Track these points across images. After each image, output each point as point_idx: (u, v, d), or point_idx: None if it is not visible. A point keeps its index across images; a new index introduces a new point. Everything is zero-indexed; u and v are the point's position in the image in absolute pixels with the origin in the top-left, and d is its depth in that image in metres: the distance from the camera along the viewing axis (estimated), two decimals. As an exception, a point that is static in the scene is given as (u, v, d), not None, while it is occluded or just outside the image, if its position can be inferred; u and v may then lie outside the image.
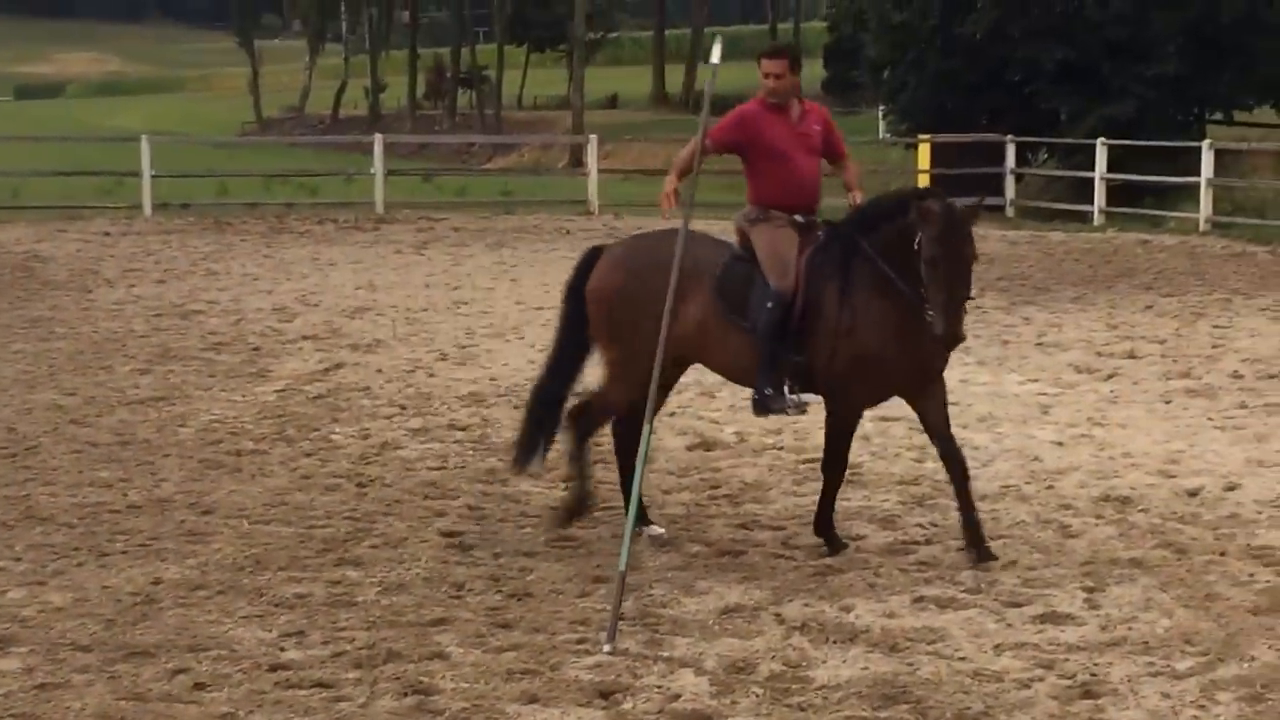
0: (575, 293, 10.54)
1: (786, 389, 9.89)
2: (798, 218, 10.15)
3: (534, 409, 10.68)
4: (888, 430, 13.21)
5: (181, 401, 14.99)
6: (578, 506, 10.37)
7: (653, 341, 9.36)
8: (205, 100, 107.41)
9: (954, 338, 9.60)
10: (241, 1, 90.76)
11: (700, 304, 9.91)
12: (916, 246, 9.49)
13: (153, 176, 35.24)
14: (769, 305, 9.75)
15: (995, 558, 9.63)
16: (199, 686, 7.71)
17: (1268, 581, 9.24)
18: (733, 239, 10.32)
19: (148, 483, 11.85)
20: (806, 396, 9.96)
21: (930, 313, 9.50)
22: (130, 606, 8.93)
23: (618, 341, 10.15)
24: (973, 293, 9.78)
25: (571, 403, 10.57)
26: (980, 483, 11.56)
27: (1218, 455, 12.50)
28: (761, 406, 10.00)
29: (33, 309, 21.19)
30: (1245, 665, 7.89)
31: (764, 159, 10.21)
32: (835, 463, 10.08)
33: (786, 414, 10.08)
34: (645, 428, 9.15)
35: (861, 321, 9.74)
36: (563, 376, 10.63)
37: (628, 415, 10.23)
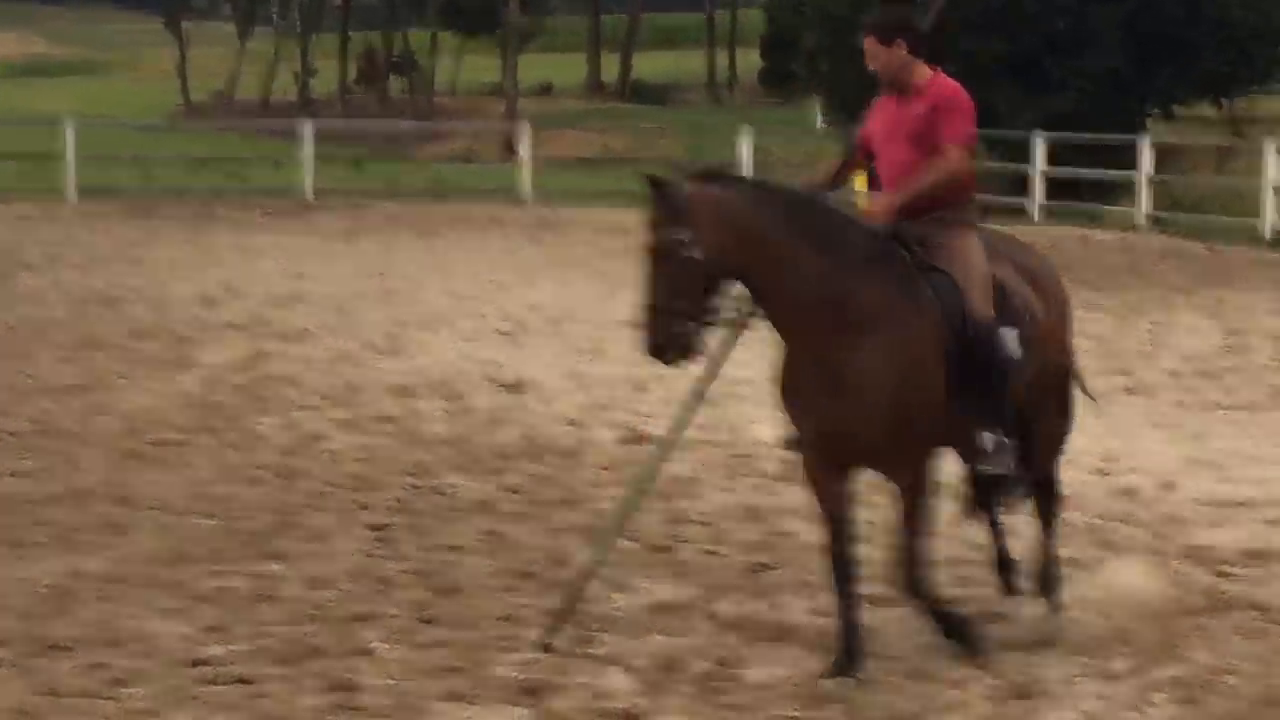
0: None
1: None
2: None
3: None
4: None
5: (103, 390, 14.89)
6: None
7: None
8: (132, 83, 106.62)
9: None
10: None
11: None
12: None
13: (76, 161, 35.04)
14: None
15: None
16: (117, 682, 7.65)
17: (1204, 583, 9.29)
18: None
19: (67, 473, 11.77)
20: None
21: None
22: (48, 599, 8.87)
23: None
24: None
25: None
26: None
27: (1154, 454, 12.57)
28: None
29: (-49, 294, 21.01)
30: (1181, 667, 7.93)
31: (875, 156, 8.76)
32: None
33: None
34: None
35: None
36: None
37: None
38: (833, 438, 7.86)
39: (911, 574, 7.99)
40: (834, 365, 7.67)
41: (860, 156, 8.78)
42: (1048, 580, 8.76)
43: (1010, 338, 7.90)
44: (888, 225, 7.92)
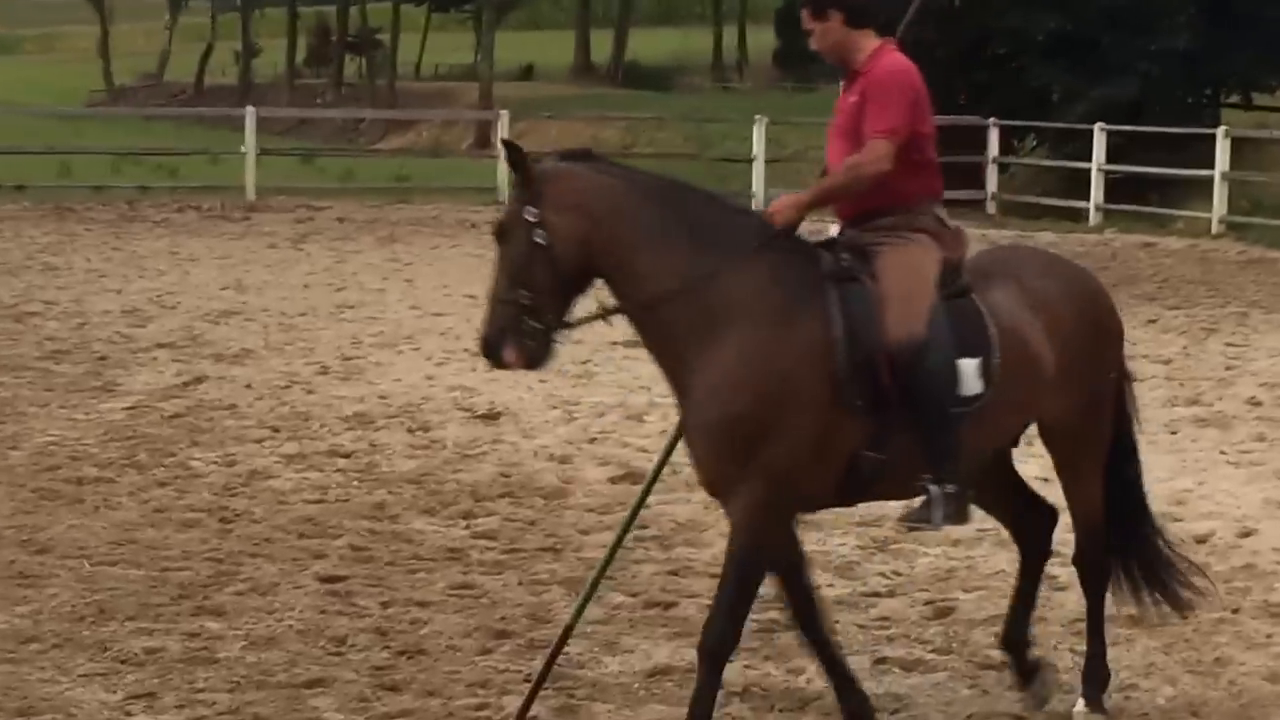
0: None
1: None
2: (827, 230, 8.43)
3: None
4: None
5: (13, 420, 14.87)
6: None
7: None
8: (46, 64, 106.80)
9: None
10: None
11: None
12: None
13: (-17, 153, 35.12)
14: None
15: None
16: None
17: (1286, 642, 9.32)
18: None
19: (-30, 515, 11.77)
20: None
21: None
22: (-52, 663, 8.86)
23: None
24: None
25: None
26: (957, 527, 11.63)
27: (1231, 495, 12.57)
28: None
29: None
30: (1261, 743, 7.96)
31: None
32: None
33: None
34: None
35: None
36: None
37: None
38: (692, 457, 7.77)
39: (709, 629, 7.64)
40: (684, 372, 7.56)
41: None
42: (1089, 677, 8.36)
43: (968, 369, 7.54)
44: (785, 224, 7.70)
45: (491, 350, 7.61)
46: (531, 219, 7.53)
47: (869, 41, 7.96)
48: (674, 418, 11.97)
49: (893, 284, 7.53)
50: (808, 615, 7.97)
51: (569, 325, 7.77)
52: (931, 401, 7.45)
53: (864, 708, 7.94)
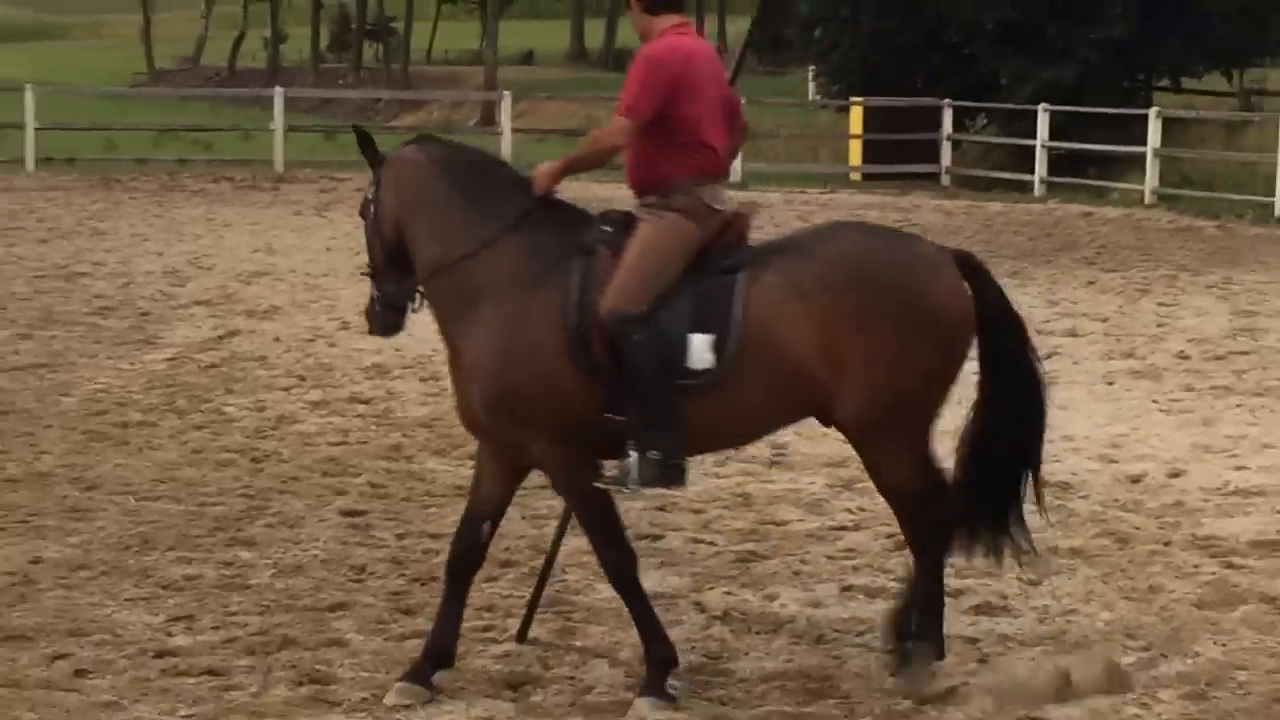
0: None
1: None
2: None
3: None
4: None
5: (65, 369, 14.85)
6: None
7: None
8: (93, 49, 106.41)
9: None
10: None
11: None
12: None
13: (36, 129, 34.93)
14: None
15: None
16: (80, 673, 7.66)
17: (1213, 573, 9.30)
18: None
19: (27, 455, 11.75)
20: None
21: None
22: (7, 587, 8.85)
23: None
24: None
25: None
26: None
27: (1162, 440, 12.57)
28: None
29: (-96, 268, 20.96)
30: (1189, 661, 7.95)
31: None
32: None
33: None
34: None
35: None
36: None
37: None
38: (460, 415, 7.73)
39: (604, 565, 7.64)
40: (452, 337, 7.52)
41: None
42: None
43: (698, 344, 7.18)
44: (542, 191, 7.65)
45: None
46: (369, 199, 7.69)
47: (662, 25, 7.69)
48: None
49: (628, 257, 7.31)
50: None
51: (408, 296, 7.69)
52: (638, 370, 7.14)
53: None
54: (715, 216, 7.49)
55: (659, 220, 7.44)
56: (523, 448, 7.48)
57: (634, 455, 7.29)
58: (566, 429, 7.33)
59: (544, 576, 8.34)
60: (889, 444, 7.43)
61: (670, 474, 7.37)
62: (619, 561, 7.53)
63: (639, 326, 7.14)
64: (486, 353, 7.36)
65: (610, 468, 7.46)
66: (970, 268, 7.54)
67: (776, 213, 29.12)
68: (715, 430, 7.48)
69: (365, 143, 7.79)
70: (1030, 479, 7.73)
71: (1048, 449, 11.93)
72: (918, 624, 7.53)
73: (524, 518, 10.28)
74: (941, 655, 7.58)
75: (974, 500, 7.61)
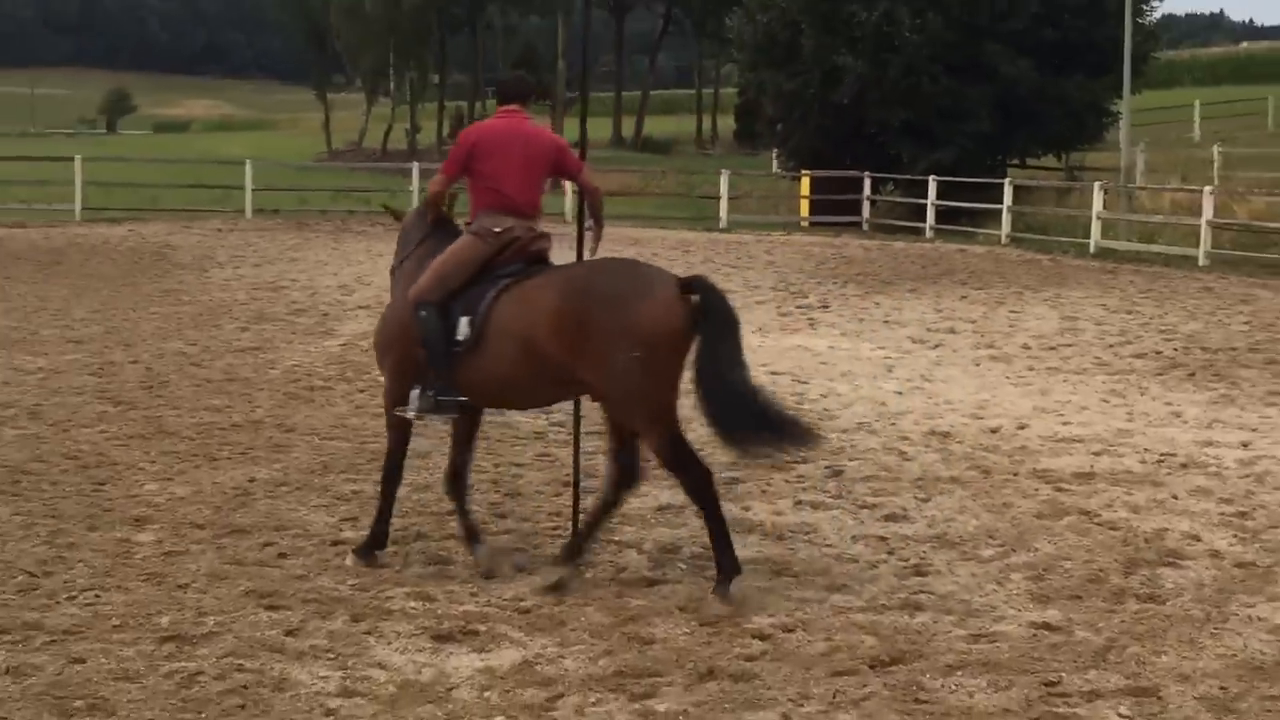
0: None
1: None
2: None
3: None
4: (776, 380, 13.18)
5: (271, 351, 14.89)
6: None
7: None
8: (291, 136, 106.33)
9: None
10: (318, 64, 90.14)
11: None
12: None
13: (252, 190, 35.07)
14: None
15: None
16: (281, 555, 7.69)
17: (1047, 495, 9.26)
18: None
19: (246, 408, 11.77)
20: None
21: None
22: (233, 497, 8.89)
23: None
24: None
25: None
26: (842, 420, 11.58)
27: (1012, 403, 12.53)
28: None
29: (165, 283, 21.01)
30: (1030, 554, 7.92)
31: None
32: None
33: None
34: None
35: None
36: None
37: None
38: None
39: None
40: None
41: None
42: (720, 568, 7.11)
43: (463, 324, 7.20)
44: (433, 218, 7.91)
45: None
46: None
47: (499, 110, 7.75)
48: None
49: (434, 260, 7.47)
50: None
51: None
52: (423, 335, 7.29)
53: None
54: (497, 238, 7.43)
55: (461, 238, 7.54)
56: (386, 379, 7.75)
57: (415, 390, 7.39)
58: (399, 373, 7.52)
59: (575, 495, 8.20)
60: (624, 409, 7.17)
61: (441, 406, 7.40)
62: (390, 468, 7.72)
63: (426, 307, 7.28)
64: (385, 320, 7.73)
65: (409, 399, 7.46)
66: (700, 287, 7.06)
67: (751, 247, 29.11)
68: (478, 382, 7.33)
69: (394, 215, 8.56)
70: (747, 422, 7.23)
71: (935, 409, 11.95)
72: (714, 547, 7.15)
73: (581, 452, 10.25)
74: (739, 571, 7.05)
75: (720, 436, 7.32)
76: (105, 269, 22.67)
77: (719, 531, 7.13)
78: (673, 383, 7.14)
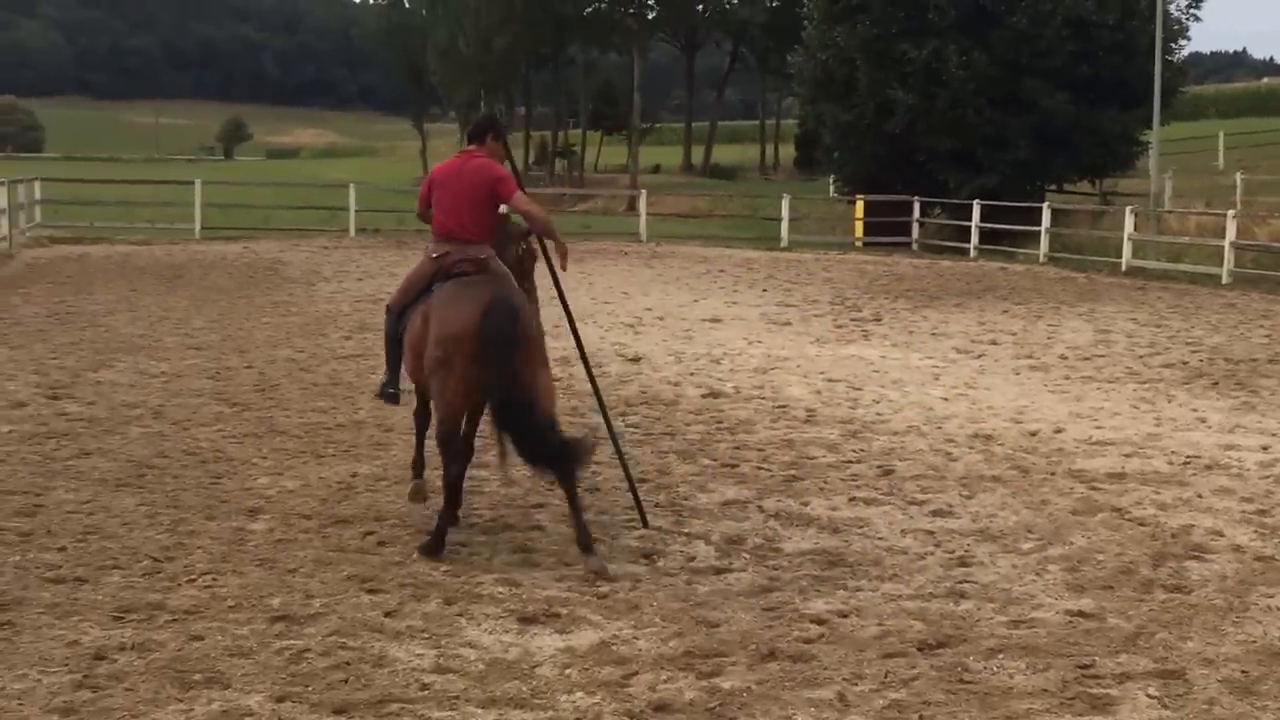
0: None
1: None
2: None
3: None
4: (833, 385, 13.13)
5: (373, 358, 14.94)
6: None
7: None
8: (391, 162, 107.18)
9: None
10: (416, 97, 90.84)
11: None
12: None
13: (355, 211, 35.36)
14: None
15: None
16: (381, 543, 7.73)
17: (1082, 493, 9.16)
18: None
19: (349, 410, 11.86)
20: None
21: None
22: (337, 490, 8.95)
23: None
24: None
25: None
26: (893, 423, 11.50)
27: (1050, 409, 12.39)
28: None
29: (276, 295, 21.22)
30: (1066, 547, 7.83)
31: None
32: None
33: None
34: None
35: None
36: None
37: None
38: None
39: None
40: None
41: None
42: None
43: (405, 320, 7.80)
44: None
45: None
46: None
47: (463, 149, 8.13)
48: (740, 361, 11.78)
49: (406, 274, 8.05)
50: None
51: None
52: (385, 334, 8.08)
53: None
54: (435, 261, 7.79)
55: (420, 259, 8.03)
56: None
57: (381, 378, 8.27)
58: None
59: (628, 475, 8.37)
60: (435, 400, 7.63)
61: (387, 396, 8.24)
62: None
63: (390, 313, 7.99)
64: None
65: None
66: (495, 311, 7.23)
67: (810, 265, 28.98)
68: (414, 374, 7.85)
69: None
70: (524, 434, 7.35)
71: (978, 414, 11.84)
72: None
73: (652, 452, 10.27)
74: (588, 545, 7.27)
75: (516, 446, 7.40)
76: (222, 282, 22.96)
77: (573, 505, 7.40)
78: (456, 382, 7.38)
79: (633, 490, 8.36)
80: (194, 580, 6.98)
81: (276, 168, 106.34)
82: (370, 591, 6.84)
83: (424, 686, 5.65)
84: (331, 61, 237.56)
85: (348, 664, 5.86)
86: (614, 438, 8.62)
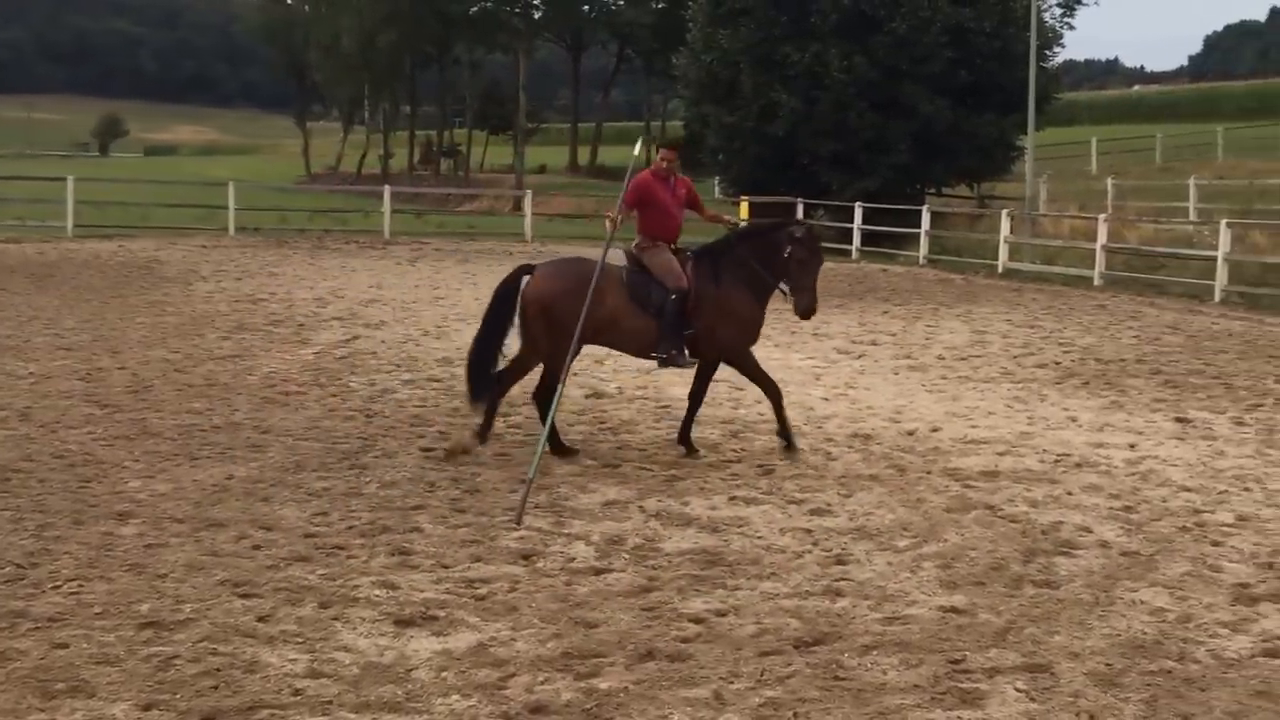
0: (503, 294, 10.09)
1: (684, 351, 9.97)
2: (670, 246, 10.25)
3: (472, 370, 10.15)
4: (714, 387, 13.20)
5: (250, 358, 14.75)
6: (478, 440, 10.05)
7: (573, 329, 9.34)
8: (272, 161, 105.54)
9: (809, 311, 10.06)
10: (298, 94, 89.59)
11: (614, 300, 9.83)
12: (786, 254, 9.65)
13: (235, 209, 34.76)
14: (673, 298, 9.76)
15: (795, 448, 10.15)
16: (255, 547, 7.59)
17: (956, 491, 9.32)
18: (621, 261, 10.25)
19: (226, 411, 11.65)
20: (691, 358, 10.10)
21: (797, 294, 9.93)
22: (211, 493, 8.77)
23: (552, 329, 9.83)
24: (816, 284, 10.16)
25: (501, 366, 10.21)
26: (774, 424, 11.60)
27: (927, 409, 12.61)
28: (669, 362, 10.01)
29: (152, 294, 20.78)
30: (940, 544, 7.96)
31: (652, 210, 10.16)
32: (767, 386, 10.18)
33: (685, 368, 10.14)
34: (559, 387, 9.21)
35: (733, 301, 10.01)
36: (491, 349, 10.11)
37: (548, 380, 10.05)
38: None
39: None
40: None
41: (625, 212, 9.99)
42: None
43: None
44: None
45: None
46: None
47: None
48: (622, 362, 11.81)
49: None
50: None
51: None
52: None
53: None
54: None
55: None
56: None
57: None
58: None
59: (527, 491, 8.41)
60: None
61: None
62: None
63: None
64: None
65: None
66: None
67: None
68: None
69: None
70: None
71: (858, 413, 11.99)
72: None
73: (533, 452, 10.23)
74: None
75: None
76: (95, 281, 22.41)
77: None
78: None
79: (526, 491, 8.35)
80: (59, 587, 6.79)
81: (154, 165, 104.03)
82: (243, 596, 6.71)
83: (296, 692, 5.55)
84: (212, 57, 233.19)
85: (218, 670, 5.74)
86: (547, 436, 9.08)
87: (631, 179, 10.16)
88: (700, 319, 9.96)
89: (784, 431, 10.17)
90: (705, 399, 10.48)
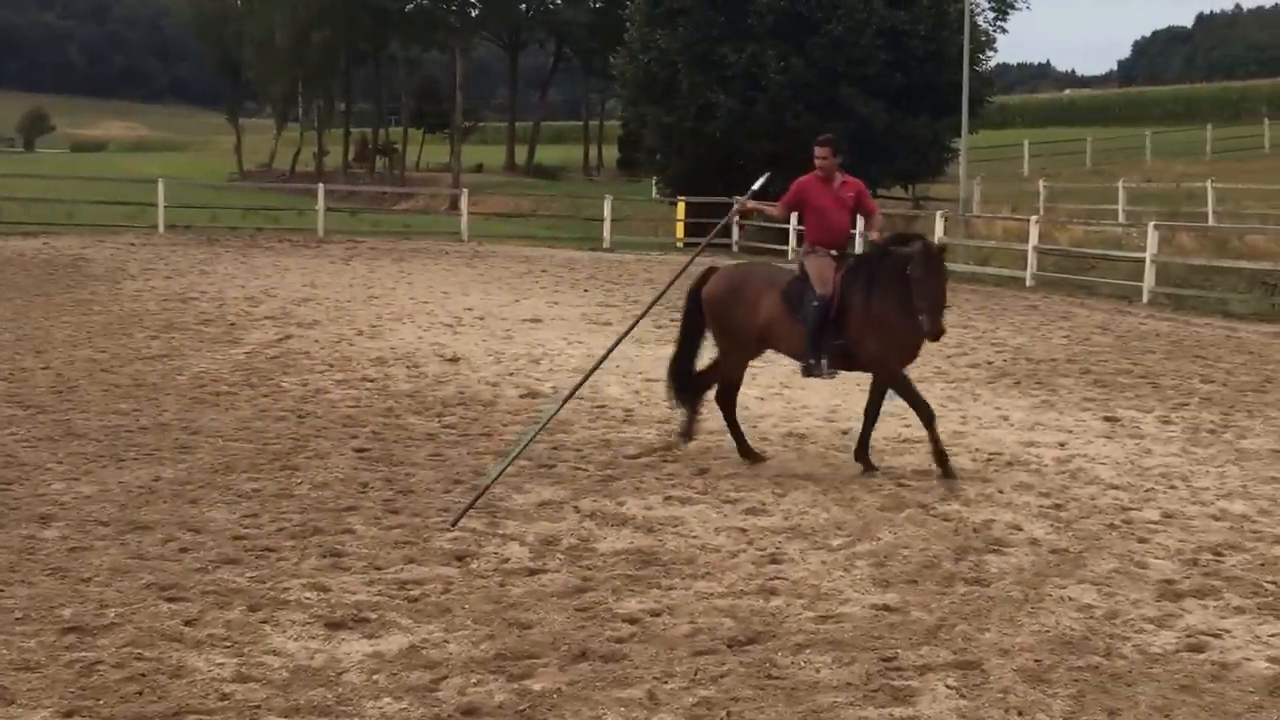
0: (694, 296, 10.22)
1: (825, 361, 9.75)
2: (834, 252, 9.93)
3: (674, 381, 10.23)
4: (651, 386, 13.21)
5: (179, 358, 14.57)
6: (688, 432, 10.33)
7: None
8: (203, 158, 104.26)
9: (936, 333, 9.35)
10: (230, 90, 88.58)
11: (770, 305, 9.84)
12: (907, 271, 9.31)
13: (165, 207, 34.32)
14: (814, 305, 9.65)
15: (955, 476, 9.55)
16: (183, 550, 7.50)
17: (890, 490, 9.38)
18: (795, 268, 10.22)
19: (154, 412, 11.50)
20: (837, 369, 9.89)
21: (920, 315, 9.29)
22: (138, 495, 8.66)
23: (718, 331, 10.06)
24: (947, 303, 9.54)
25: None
26: (710, 423, 11.64)
27: (861, 408, 12.63)
28: (809, 371, 9.86)
29: (78, 293, 20.47)
30: (874, 543, 8.01)
31: (813, 214, 10.01)
32: (918, 407, 9.70)
33: (824, 378, 10.04)
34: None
35: (882, 313, 9.55)
36: (689, 354, 10.23)
37: (722, 381, 10.25)
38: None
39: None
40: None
41: (783, 213, 10.64)
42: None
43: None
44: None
45: None
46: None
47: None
48: (559, 362, 11.77)
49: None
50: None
51: None
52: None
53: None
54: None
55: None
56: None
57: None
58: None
59: (483, 491, 8.34)
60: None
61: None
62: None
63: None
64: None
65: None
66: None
67: (631, 266, 29.16)
68: None
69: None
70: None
71: (793, 413, 12.04)
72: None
73: (469, 453, 10.18)
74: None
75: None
76: (19, 279, 22.04)
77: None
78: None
79: (478, 493, 8.33)
80: (-21, 591, 6.66)
81: (81, 161, 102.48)
82: (170, 600, 6.62)
83: (224, 696, 5.49)
84: (142, 52, 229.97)
85: (143, 675, 5.65)
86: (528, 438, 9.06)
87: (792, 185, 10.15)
88: (849, 330, 9.62)
89: (940, 457, 9.59)
90: (880, 412, 10.03)
